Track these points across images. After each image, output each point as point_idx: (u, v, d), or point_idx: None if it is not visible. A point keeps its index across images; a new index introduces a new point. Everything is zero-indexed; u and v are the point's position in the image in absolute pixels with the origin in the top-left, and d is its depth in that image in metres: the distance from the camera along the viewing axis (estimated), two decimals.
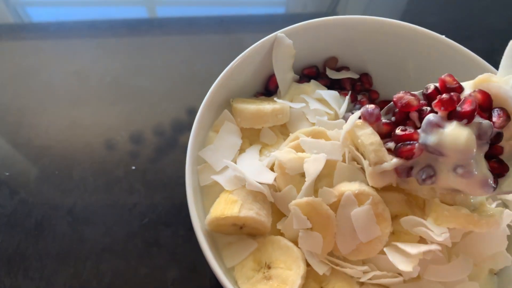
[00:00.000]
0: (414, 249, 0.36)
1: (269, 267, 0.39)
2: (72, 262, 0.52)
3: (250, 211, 0.39)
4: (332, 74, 0.52)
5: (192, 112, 0.59)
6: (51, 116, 0.63)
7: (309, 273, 0.39)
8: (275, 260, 0.39)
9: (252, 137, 0.47)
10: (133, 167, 0.58)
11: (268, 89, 0.51)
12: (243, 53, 0.47)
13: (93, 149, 0.60)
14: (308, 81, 0.51)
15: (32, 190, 0.57)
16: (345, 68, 0.53)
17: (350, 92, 0.50)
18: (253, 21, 0.74)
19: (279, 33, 0.48)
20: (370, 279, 0.38)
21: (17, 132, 0.61)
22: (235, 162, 0.43)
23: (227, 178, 0.41)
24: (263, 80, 0.51)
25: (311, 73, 0.52)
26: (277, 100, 0.47)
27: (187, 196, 0.40)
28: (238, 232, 0.41)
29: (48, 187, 0.57)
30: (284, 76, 0.50)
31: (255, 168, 0.42)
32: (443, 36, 0.48)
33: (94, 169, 0.58)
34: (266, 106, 0.46)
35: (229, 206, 0.39)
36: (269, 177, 0.41)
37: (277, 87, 0.50)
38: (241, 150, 0.45)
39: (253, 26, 0.73)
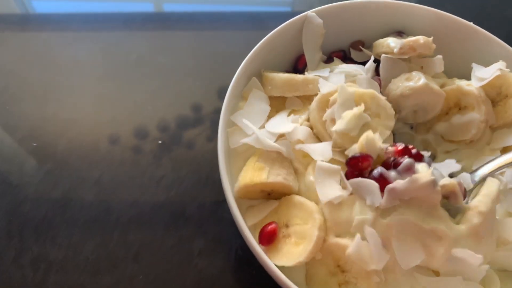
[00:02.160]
0: None
1: (287, 226, 0.41)
2: (99, 232, 0.53)
3: (278, 177, 0.41)
4: (357, 57, 0.54)
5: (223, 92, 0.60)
6: (77, 90, 0.64)
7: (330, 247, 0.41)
8: (292, 218, 0.41)
9: (279, 106, 0.49)
10: (160, 141, 0.59)
11: (297, 68, 0.53)
12: (274, 30, 0.48)
13: (119, 123, 0.61)
14: None
15: (59, 161, 0.58)
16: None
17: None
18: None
19: (310, 12, 0.49)
20: None
21: (44, 105, 0.62)
22: (264, 127, 0.45)
23: (256, 139, 0.43)
24: (292, 59, 0.53)
25: (338, 57, 0.54)
26: (310, 75, 0.49)
27: (218, 158, 0.41)
28: (266, 197, 0.43)
29: (75, 159, 0.58)
30: (313, 55, 0.51)
31: (279, 124, 0.44)
32: (471, 23, 0.50)
33: (120, 143, 0.59)
34: (298, 76, 0.48)
35: (257, 173, 0.41)
36: (288, 126, 0.43)
37: (305, 66, 0.52)
38: (270, 117, 0.47)
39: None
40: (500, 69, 0.47)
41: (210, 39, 0.70)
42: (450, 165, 0.44)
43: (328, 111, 0.45)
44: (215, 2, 0.77)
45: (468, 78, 0.50)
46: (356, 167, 0.40)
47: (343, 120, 0.42)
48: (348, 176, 0.40)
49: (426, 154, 0.42)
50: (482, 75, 0.48)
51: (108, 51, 0.69)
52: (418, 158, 0.40)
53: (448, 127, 0.49)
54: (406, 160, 0.39)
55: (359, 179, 0.39)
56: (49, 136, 0.60)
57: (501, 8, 0.78)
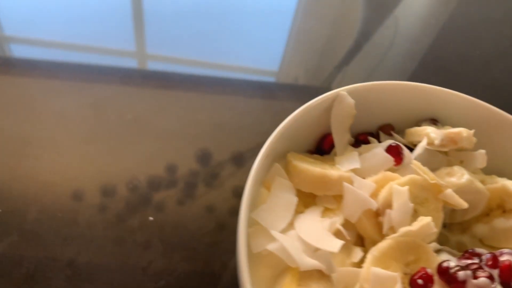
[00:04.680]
0: None
1: None
2: None
3: None
4: (385, 140, 0.48)
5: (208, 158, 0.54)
6: (60, 149, 0.56)
7: None
8: None
9: (306, 199, 0.41)
10: (151, 218, 0.50)
11: (321, 148, 0.46)
12: (303, 106, 0.42)
13: (107, 190, 0.52)
14: None
15: (27, 233, 0.48)
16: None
17: None
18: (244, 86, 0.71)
19: (342, 90, 0.44)
20: None
21: (18, 162, 0.53)
22: (293, 224, 0.38)
23: (297, 256, 0.35)
24: (316, 138, 0.47)
25: (366, 140, 0.48)
26: (340, 167, 0.42)
27: (240, 267, 0.33)
28: None
29: (46, 231, 0.48)
30: (342, 137, 0.45)
31: (316, 234, 0.36)
32: (497, 109, 0.46)
33: (105, 216, 0.50)
34: (332, 172, 0.41)
35: None
36: (335, 244, 0.35)
37: (331, 147, 0.46)
38: (297, 212, 0.40)
39: (244, 90, 0.69)
40: None
41: (193, 101, 0.64)
42: None
43: (385, 220, 0.38)
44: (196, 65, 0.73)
45: (508, 177, 0.45)
46: None
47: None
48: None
49: None
50: None
51: (99, 106, 0.61)
52: None
53: (489, 231, 0.43)
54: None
55: None
56: (18, 200, 0.50)
57: None
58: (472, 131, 0.44)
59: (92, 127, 0.59)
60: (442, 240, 0.45)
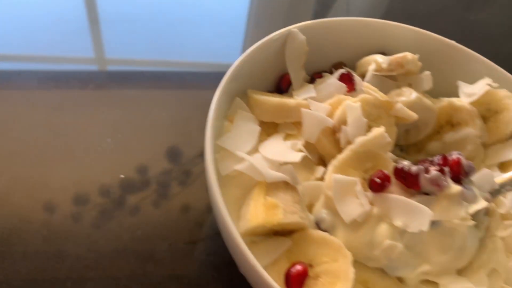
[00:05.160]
0: None
1: (311, 266, 0.35)
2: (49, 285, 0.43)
3: (295, 215, 0.35)
4: None
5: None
6: (26, 159, 0.52)
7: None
8: (315, 256, 0.35)
9: (269, 130, 0.44)
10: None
11: (280, 87, 0.48)
12: (254, 46, 0.44)
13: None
14: None
15: None
16: None
17: None
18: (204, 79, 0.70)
19: (293, 28, 0.47)
20: None
21: None
22: (257, 150, 0.40)
23: (252, 168, 0.37)
24: (275, 78, 0.49)
25: (321, 78, 0.50)
26: (297, 97, 0.44)
27: (211, 188, 0.34)
28: (269, 233, 0.37)
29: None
30: (297, 73, 0.48)
31: (279, 151, 0.38)
32: (453, 42, 0.50)
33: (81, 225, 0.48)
34: (290, 100, 0.43)
35: (271, 212, 0.34)
36: (293, 156, 0.38)
37: (289, 86, 0.48)
38: (261, 140, 0.42)
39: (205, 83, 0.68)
40: (488, 85, 0.46)
41: (156, 99, 0.63)
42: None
43: (342, 136, 0.40)
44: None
45: (453, 97, 0.48)
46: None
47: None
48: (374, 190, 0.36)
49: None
50: (470, 91, 0.47)
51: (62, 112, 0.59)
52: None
53: (441, 146, 0.47)
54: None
55: (389, 195, 0.35)
56: None
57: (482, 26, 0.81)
58: (416, 55, 0.47)
59: (55, 134, 0.56)
60: None
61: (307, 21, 0.48)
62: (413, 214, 0.34)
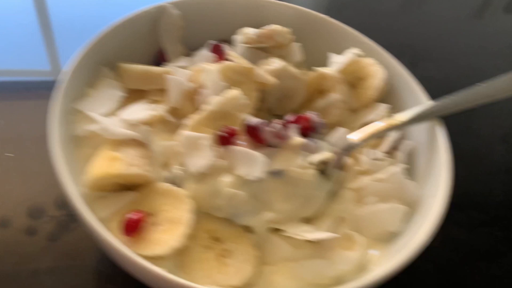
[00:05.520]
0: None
1: (152, 215, 0.36)
2: None
3: (135, 167, 0.37)
4: None
5: None
6: None
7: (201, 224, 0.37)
8: (158, 206, 0.36)
9: (137, 97, 0.45)
10: None
11: (159, 63, 0.50)
12: (124, 16, 0.46)
13: None
14: None
15: None
16: None
17: None
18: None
19: (167, 3, 0.49)
20: None
21: None
22: (116, 113, 0.41)
23: (109, 127, 0.38)
24: (152, 53, 0.50)
25: None
26: (169, 67, 0.46)
27: (50, 149, 0.35)
28: (119, 189, 0.38)
29: None
30: (173, 47, 0.49)
31: (136, 113, 0.40)
32: (327, 16, 0.53)
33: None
34: (155, 68, 0.45)
35: (110, 164, 0.36)
36: (140, 113, 0.39)
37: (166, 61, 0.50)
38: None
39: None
40: (354, 54, 0.49)
41: None
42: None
43: (199, 98, 0.42)
44: None
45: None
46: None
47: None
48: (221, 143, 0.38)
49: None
50: (338, 60, 0.50)
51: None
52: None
53: None
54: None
55: (234, 146, 0.37)
56: None
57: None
58: (288, 29, 0.49)
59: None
60: None
61: None
62: (251, 163, 0.36)
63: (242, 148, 0.37)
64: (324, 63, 0.52)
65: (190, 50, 0.52)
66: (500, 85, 0.44)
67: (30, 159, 0.53)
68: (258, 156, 0.36)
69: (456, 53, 0.84)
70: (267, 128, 0.38)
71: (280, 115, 0.51)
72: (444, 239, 0.52)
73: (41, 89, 0.62)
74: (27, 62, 0.67)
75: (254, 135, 0.38)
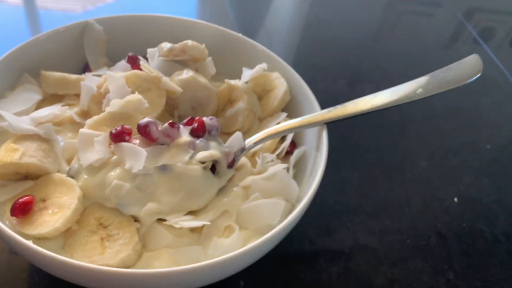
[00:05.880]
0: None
1: (44, 200, 0.40)
2: None
3: (33, 158, 0.41)
4: None
5: None
6: None
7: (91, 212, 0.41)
8: (50, 193, 0.40)
9: (54, 102, 0.50)
10: None
11: (85, 72, 0.55)
12: (48, 31, 0.51)
13: None
14: None
15: None
16: None
17: None
18: None
19: (90, 19, 0.54)
20: None
21: None
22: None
23: (14, 123, 0.43)
24: (80, 65, 0.55)
25: None
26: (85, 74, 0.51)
27: None
28: (19, 178, 0.42)
29: None
30: (96, 59, 0.55)
31: (43, 113, 0.44)
32: (240, 34, 0.58)
33: None
34: (71, 75, 0.50)
35: (9, 154, 0.40)
36: (46, 112, 0.44)
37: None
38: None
39: None
40: (262, 69, 0.54)
41: None
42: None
43: (104, 101, 0.47)
44: None
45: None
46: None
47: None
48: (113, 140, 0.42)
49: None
50: (247, 74, 0.54)
51: None
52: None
53: (224, 121, 0.54)
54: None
55: (123, 143, 0.41)
56: None
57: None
58: (202, 45, 0.54)
59: None
60: None
61: (106, 16, 0.55)
62: (135, 157, 0.40)
63: (129, 144, 0.41)
64: (239, 77, 0.57)
65: (114, 62, 0.57)
66: (385, 97, 0.48)
67: None
68: (142, 151, 0.40)
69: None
70: (156, 127, 0.42)
71: None
72: (355, 245, 0.56)
73: None
74: None
75: (145, 134, 0.42)
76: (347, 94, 0.81)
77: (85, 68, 0.55)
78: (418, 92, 0.48)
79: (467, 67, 0.49)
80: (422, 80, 0.49)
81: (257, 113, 0.54)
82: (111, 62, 0.56)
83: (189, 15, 0.99)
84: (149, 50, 0.54)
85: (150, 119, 0.42)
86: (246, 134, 0.52)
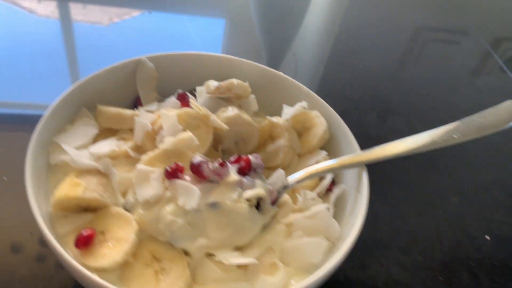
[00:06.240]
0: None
1: (103, 233, 0.43)
2: None
3: (94, 193, 0.44)
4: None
5: None
6: None
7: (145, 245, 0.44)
8: (109, 227, 0.43)
9: (110, 135, 0.53)
10: None
11: (136, 106, 0.58)
12: (105, 67, 0.55)
13: None
14: None
15: None
16: None
17: None
18: None
19: (143, 57, 0.57)
20: None
21: None
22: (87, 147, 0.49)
23: (76, 158, 0.46)
24: (132, 99, 0.59)
25: None
26: (139, 109, 0.54)
27: (25, 173, 0.43)
28: (79, 210, 0.45)
29: None
30: (148, 94, 0.58)
31: (102, 148, 0.47)
32: (281, 73, 0.61)
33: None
34: (127, 111, 0.53)
35: (73, 188, 0.43)
36: (105, 147, 0.47)
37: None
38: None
39: None
40: (302, 107, 0.57)
41: None
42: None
43: (158, 138, 0.50)
44: None
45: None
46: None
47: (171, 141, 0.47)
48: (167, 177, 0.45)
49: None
50: (288, 112, 0.57)
51: None
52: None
53: (264, 156, 0.56)
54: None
55: (177, 180, 0.44)
56: None
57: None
58: (245, 83, 0.57)
59: None
60: None
61: (157, 53, 0.59)
62: (189, 195, 0.43)
63: (183, 181, 0.44)
64: (279, 113, 0.59)
65: (163, 97, 0.60)
66: (422, 140, 0.50)
67: None
68: (195, 189, 0.43)
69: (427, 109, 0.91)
70: (207, 166, 0.45)
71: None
72: (388, 280, 0.58)
73: None
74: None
75: (197, 172, 0.45)
76: (378, 127, 0.83)
77: (136, 102, 0.59)
78: (455, 136, 0.49)
79: (503, 113, 0.50)
80: (459, 125, 0.50)
81: (297, 149, 0.56)
82: (161, 96, 0.60)
83: (217, 40, 1.05)
84: (198, 88, 0.57)
85: (202, 159, 0.45)
86: (286, 169, 0.55)
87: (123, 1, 1.07)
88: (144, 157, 0.47)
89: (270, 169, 0.55)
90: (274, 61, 0.99)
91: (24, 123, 0.70)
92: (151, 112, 0.53)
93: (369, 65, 1.01)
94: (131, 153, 0.49)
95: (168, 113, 0.50)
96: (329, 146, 0.56)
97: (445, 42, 1.24)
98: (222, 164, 0.45)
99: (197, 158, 0.45)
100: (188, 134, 0.48)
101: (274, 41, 1.07)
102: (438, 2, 1.36)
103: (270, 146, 0.56)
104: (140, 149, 0.51)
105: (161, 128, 0.50)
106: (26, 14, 0.93)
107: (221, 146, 0.55)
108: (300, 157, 0.57)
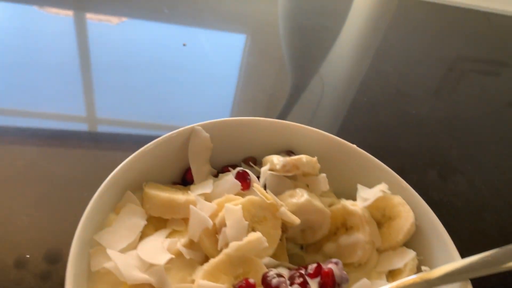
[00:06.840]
0: None
1: None
2: None
3: None
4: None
5: None
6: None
7: None
8: None
9: (159, 223, 0.44)
10: None
11: (185, 180, 0.50)
12: (156, 140, 0.47)
13: None
14: None
15: None
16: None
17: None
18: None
19: (197, 125, 0.49)
20: None
21: None
22: (136, 246, 0.40)
23: (124, 270, 0.37)
24: (181, 171, 0.50)
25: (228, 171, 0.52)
26: (191, 192, 0.46)
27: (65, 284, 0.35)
28: None
29: None
30: (200, 168, 0.49)
31: (153, 251, 0.39)
32: (354, 145, 0.52)
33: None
34: (179, 197, 0.44)
35: None
36: (161, 258, 0.38)
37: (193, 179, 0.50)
38: (146, 235, 0.42)
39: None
40: (382, 191, 0.48)
41: None
42: None
43: (220, 237, 0.41)
44: None
45: (354, 199, 0.50)
46: None
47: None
48: None
49: None
50: (366, 196, 0.48)
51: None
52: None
53: (336, 248, 0.47)
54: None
55: None
56: None
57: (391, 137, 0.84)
58: (314, 158, 0.49)
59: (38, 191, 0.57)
60: (299, 261, 0.48)
61: (212, 120, 0.50)
62: None
63: None
64: (350, 191, 0.50)
65: (215, 168, 0.52)
66: None
67: (57, 202, 0.56)
68: None
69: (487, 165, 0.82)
70: (286, 287, 0.36)
71: (304, 246, 0.50)
72: None
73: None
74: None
75: None
76: (439, 187, 0.74)
77: (186, 176, 0.50)
78: None
79: None
80: None
81: (377, 243, 0.47)
82: (213, 167, 0.51)
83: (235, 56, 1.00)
84: (262, 169, 0.48)
85: (280, 278, 0.36)
86: (363, 267, 0.46)
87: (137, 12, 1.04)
88: (205, 267, 0.38)
89: (344, 265, 0.46)
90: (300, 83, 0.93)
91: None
92: (207, 195, 0.45)
93: (420, 111, 0.93)
94: (186, 254, 0.41)
95: (233, 207, 0.41)
96: (413, 242, 0.47)
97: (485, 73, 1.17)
98: (304, 285, 0.37)
99: (274, 276, 0.37)
100: (257, 235, 0.40)
101: (300, 60, 1.01)
102: None
103: (344, 238, 0.47)
104: (194, 245, 0.42)
105: (223, 224, 0.41)
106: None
107: (285, 235, 0.47)
108: (380, 252, 0.48)
